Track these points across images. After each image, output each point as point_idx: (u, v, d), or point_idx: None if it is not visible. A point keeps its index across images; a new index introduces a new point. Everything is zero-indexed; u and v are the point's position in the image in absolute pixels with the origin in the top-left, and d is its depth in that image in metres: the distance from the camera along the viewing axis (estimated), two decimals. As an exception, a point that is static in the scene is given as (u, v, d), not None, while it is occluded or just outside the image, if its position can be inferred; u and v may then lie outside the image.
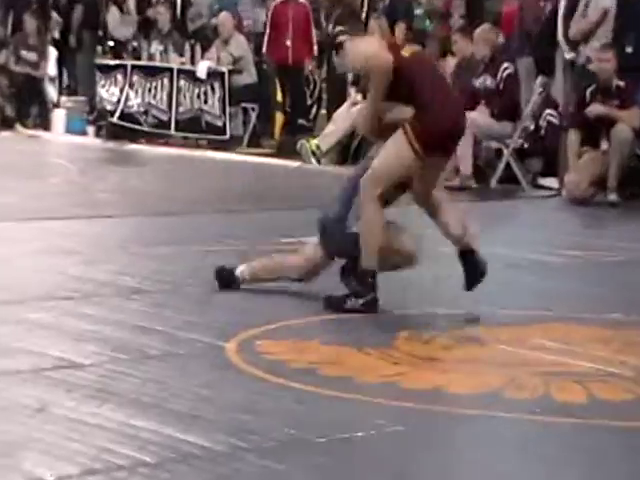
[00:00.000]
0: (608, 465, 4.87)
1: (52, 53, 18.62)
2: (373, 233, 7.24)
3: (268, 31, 16.52)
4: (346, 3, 15.12)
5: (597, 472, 4.79)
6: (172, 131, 16.71)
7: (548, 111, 13.27)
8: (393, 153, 7.22)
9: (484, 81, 12.89)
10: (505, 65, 12.99)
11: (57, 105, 18.34)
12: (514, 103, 13.08)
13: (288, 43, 16.11)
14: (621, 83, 12.03)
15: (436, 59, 13.95)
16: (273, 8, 16.53)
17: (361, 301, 7.23)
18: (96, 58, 17.92)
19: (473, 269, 7.40)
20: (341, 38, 7.54)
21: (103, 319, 6.92)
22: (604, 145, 12.04)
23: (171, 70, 16.81)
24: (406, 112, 7.18)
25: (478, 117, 12.66)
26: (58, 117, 18.08)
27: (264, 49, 16.65)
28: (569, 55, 12.90)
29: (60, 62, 18.93)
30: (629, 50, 12.46)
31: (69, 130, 17.78)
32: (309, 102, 16.85)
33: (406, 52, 7.41)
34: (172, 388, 5.66)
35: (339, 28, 7.67)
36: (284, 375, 5.85)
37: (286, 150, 15.72)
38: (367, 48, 7.44)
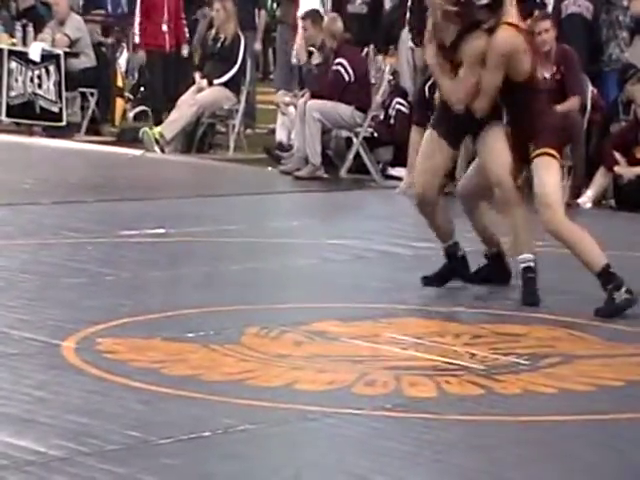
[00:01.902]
0: (458, 459, 4.95)
1: None
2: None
3: (139, 19, 16.24)
4: None
5: (446, 466, 4.86)
6: (2, 117, 16.46)
7: (397, 99, 13.37)
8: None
9: (345, 69, 12.96)
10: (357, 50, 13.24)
11: None
12: (366, 90, 13.19)
13: (165, 28, 15.89)
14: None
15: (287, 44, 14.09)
16: None
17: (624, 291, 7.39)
18: None
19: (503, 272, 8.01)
20: None
21: None
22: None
23: (0, 51, 16.56)
24: None
25: (330, 105, 12.76)
26: None
27: (137, 38, 16.33)
28: (411, 44, 13.03)
29: None
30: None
31: None
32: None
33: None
34: (3, 390, 5.59)
35: None
36: (126, 375, 5.83)
37: (127, 138, 15.62)
38: None
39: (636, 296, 7.35)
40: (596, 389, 5.91)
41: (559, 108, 11.73)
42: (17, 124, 16.61)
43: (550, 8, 12.57)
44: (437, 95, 11.72)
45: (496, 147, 7.72)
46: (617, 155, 11.51)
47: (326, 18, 13.47)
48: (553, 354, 6.44)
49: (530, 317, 7.21)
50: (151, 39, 16.19)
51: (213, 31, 15.06)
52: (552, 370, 6.17)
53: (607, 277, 7.44)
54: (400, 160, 12.79)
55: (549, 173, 7.55)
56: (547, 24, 11.91)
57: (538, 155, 7.53)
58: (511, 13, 7.65)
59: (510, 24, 7.63)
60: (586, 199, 11.55)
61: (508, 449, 5.13)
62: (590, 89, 12.20)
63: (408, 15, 13.14)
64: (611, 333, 6.91)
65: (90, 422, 5.15)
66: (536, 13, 12.14)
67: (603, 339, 6.81)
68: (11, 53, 16.40)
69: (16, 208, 10.73)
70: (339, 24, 13.34)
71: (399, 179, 12.64)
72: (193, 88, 14.74)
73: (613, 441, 5.29)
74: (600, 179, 11.61)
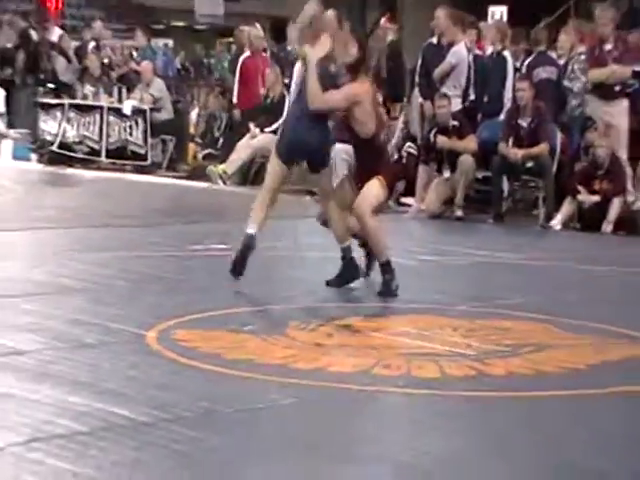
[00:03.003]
0: (456, 426, 4.94)
1: (1, 93, 18.35)
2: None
3: (237, 86, 15.65)
4: None
5: (447, 432, 4.84)
6: (103, 158, 16.56)
7: (408, 144, 13.39)
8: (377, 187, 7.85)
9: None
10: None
11: (5, 136, 18.07)
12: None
13: (262, 91, 15.34)
14: (456, 123, 12.21)
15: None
16: (242, 62, 15.67)
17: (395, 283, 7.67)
18: (38, 97, 17.72)
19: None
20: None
21: (43, 313, 6.82)
22: (446, 173, 12.21)
23: (102, 108, 16.68)
24: None
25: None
26: (6, 146, 17.85)
27: (234, 99, 15.82)
28: (421, 99, 13.05)
29: (7, 100, 18.65)
30: (472, 98, 12.69)
31: (15, 157, 17.55)
32: (217, 135, 16.78)
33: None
34: (103, 370, 5.61)
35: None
36: (195, 358, 5.82)
37: (197, 174, 15.68)
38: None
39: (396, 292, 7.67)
40: (563, 370, 5.88)
41: (535, 151, 11.77)
42: (113, 163, 16.68)
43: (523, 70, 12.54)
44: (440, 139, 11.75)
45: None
46: (580, 187, 11.48)
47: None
48: (530, 344, 6.41)
49: (512, 314, 7.16)
50: (246, 101, 15.65)
51: (264, 90, 15.07)
52: (529, 356, 6.14)
53: (387, 268, 7.70)
54: (410, 191, 12.81)
55: (368, 189, 7.82)
56: (525, 84, 11.92)
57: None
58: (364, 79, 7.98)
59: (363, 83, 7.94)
60: (556, 222, 11.51)
61: (495, 418, 5.11)
62: (559, 136, 12.19)
63: (417, 77, 13.14)
64: (574, 327, 6.86)
65: (168, 395, 5.16)
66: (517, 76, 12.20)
67: (568, 331, 6.76)
68: (110, 109, 16.55)
69: (112, 229, 10.77)
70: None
71: (409, 205, 12.64)
72: (249, 135, 14.77)
73: (579, 413, 5.26)
74: (567, 206, 11.57)
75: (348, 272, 7.86)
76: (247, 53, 15.48)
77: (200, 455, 4.42)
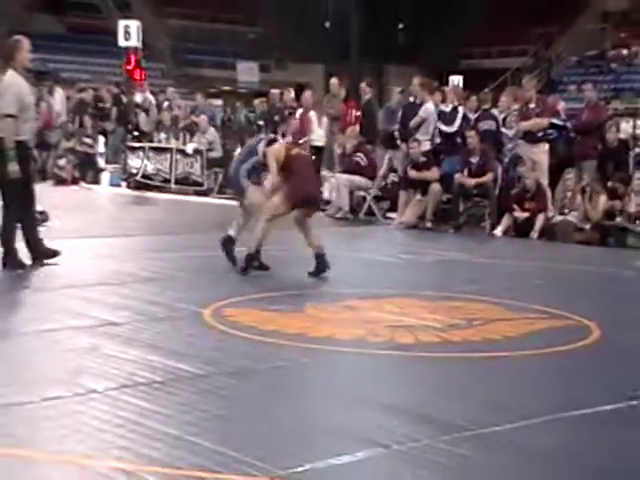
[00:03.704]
0: (428, 380, 4.94)
1: (100, 139, 18.41)
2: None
3: (290, 138, 14.25)
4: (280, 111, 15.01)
5: (416, 383, 4.85)
6: (172, 185, 16.56)
7: (392, 175, 13.39)
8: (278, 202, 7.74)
9: (361, 158, 12.97)
10: (370, 148, 13.25)
11: (104, 170, 18.11)
12: (374, 170, 13.19)
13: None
14: (424, 159, 12.24)
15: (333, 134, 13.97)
16: (300, 116, 14.37)
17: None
18: (126, 142, 17.76)
19: (322, 265, 7.72)
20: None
21: (130, 296, 6.84)
22: (419, 196, 12.21)
23: (171, 149, 16.69)
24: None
25: (353, 177, 12.80)
26: (104, 177, 17.89)
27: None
28: (401, 143, 13.08)
29: (105, 144, 18.70)
30: (437, 140, 12.70)
31: (111, 184, 17.58)
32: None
33: (294, 150, 7.94)
34: (171, 336, 5.62)
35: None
36: (238, 329, 5.81)
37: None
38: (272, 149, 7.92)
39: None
40: (503, 338, 5.86)
41: (482, 180, 11.78)
42: (179, 189, 16.65)
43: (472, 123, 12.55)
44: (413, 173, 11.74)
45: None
46: (515, 206, 11.46)
47: (351, 131, 13.41)
48: (479, 318, 6.38)
49: (466, 297, 7.13)
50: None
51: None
52: (479, 327, 6.12)
53: (253, 258, 7.76)
54: (393, 208, 12.82)
55: (271, 201, 7.75)
56: (472, 133, 11.97)
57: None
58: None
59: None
60: (498, 231, 11.46)
61: (454, 372, 5.10)
62: (500, 169, 12.19)
63: (398, 126, 13.15)
64: (511, 306, 6.83)
65: (218, 355, 5.15)
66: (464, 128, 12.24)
67: (505, 309, 6.74)
68: (177, 150, 16.55)
69: (176, 236, 10.76)
70: (357, 133, 13.35)
71: (392, 219, 12.62)
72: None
73: (513, 367, 5.25)
74: (506, 220, 11.51)
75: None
76: (301, 110, 14.67)
77: (239, 397, 4.45)
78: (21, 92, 7.75)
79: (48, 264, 7.93)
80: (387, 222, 12.64)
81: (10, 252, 7.80)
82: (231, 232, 8.20)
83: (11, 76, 7.79)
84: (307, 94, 14.74)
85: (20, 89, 7.75)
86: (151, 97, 18.27)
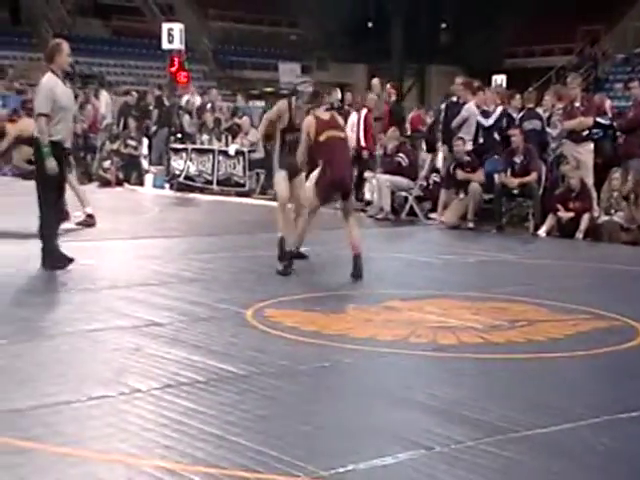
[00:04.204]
0: (470, 381, 4.90)
1: (144, 141, 18.58)
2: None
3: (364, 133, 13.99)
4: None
5: (460, 383, 4.80)
6: (215, 186, 16.67)
7: (434, 175, 13.34)
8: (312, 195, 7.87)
9: (402, 158, 12.92)
10: (411, 149, 13.22)
11: (147, 171, 18.29)
12: (415, 170, 13.15)
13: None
14: (468, 158, 12.17)
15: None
16: (364, 117, 13.94)
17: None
18: (170, 144, 17.91)
19: (358, 267, 7.64)
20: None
21: (173, 296, 6.89)
22: (461, 196, 12.14)
23: (214, 150, 16.79)
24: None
25: (395, 178, 12.76)
26: (148, 178, 18.06)
27: (362, 143, 13.83)
28: (442, 146, 13.03)
29: (149, 146, 18.88)
30: (481, 141, 12.61)
31: (154, 186, 17.73)
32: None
33: (323, 135, 7.73)
34: (213, 337, 5.64)
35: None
36: (280, 330, 5.83)
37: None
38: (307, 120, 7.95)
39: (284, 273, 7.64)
40: (547, 339, 5.81)
41: (526, 179, 11.69)
42: (222, 190, 16.75)
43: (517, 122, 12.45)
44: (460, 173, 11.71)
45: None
46: (559, 206, 11.34)
47: (393, 131, 13.38)
48: (523, 319, 6.33)
49: (509, 298, 7.08)
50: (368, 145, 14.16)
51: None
52: (523, 329, 6.06)
53: (294, 256, 7.77)
54: (435, 209, 12.77)
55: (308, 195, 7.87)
56: (516, 132, 11.87)
57: None
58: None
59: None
60: (542, 231, 11.36)
61: (496, 373, 5.06)
62: (544, 168, 12.08)
63: (441, 127, 13.11)
64: (557, 308, 6.77)
65: (260, 355, 5.15)
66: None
67: (550, 310, 6.67)
68: (219, 151, 16.64)
69: (217, 237, 10.82)
70: (398, 134, 13.34)
71: (434, 219, 12.58)
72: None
73: (558, 368, 5.20)
74: (550, 220, 11.40)
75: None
76: (365, 110, 14.20)
77: (280, 398, 4.45)
78: (55, 93, 7.86)
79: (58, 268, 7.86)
80: (429, 223, 12.58)
81: (49, 251, 7.89)
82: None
83: (47, 77, 7.95)
84: (372, 95, 14.78)
85: (54, 90, 7.87)
86: (197, 99, 18.39)
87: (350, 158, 8.31)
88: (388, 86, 14.83)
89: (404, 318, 6.31)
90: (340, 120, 8.13)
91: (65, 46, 8.06)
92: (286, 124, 8.36)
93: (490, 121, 12.46)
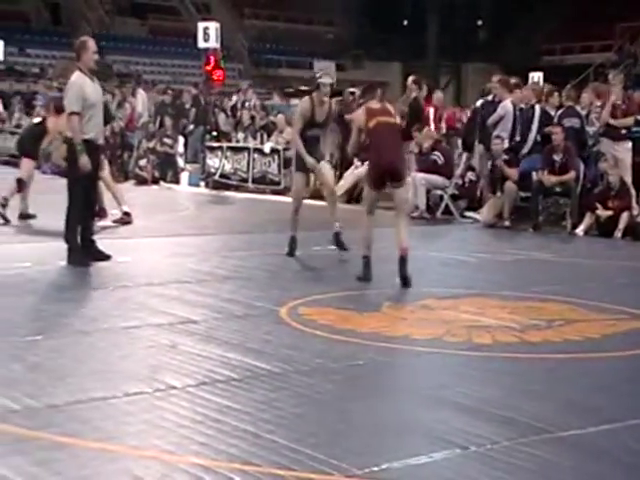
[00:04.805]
0: (505, 380, 4.86)
1: (180, 139, 18.71)
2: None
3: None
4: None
5: (496, 386, 4.77)
6: (250, 184, 16.72)
7: (470, 173, 13.26)
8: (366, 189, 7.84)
9: (438, 156, 12.87)
10: (447, 147, 13.14)
11: (183, 169, 18.41)
12: (450, 168, 13.09)
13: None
14: (506, 157, 12.07)
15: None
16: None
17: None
18: (205, 142, 18.00)
19: (403, 269, 7.42)
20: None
21: (208, 294, 6.93)
22: (498, 194, 12.07)
23: (249, 148, 16.85)
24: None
25: (430, 176, 12.70)
26: (184, 176, 18.18)
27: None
28: (478, 144, 12.96)
29: (185, 144, 19.00)
30: (517, 139, 12.51)
31: (190, 184, 17.85)
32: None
33: (372, 122, 7.60)
34: (248, 334, 5.66)
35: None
36: (314, 328, 5.84)
37: (317, 195, 15.66)
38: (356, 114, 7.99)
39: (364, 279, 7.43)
40: (584, 339, 5.75)
41: (564, 177, 11.59)
42: (257, 188, 16.79)
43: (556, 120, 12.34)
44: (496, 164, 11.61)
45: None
46: (597, 204, 11.22)
47: (428, 130, 13.32)
48: (560, 319, 6.28)
49: (545, 298, 7.02)
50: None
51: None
52: (559, 328, 6.01)
53: (365, 261, 7.50)
54: (472, 207, 12.69)
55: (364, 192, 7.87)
56: (557, 129, 11.75)
57: None
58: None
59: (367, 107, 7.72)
60: (579, 230, 11.26)
61: (532, 372, 5.02)
62: (582, 166, 11.97)
63: (478, 131, 13.06)
64: (592, 307, 6.70)
65: (294, 353, 5.15)
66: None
67: (588, 310, 6.61)
68: (255, 149, 16.69)
69: (253, 235, 10.86)
70: (435, 134, 13.29)
71: (471, 218, 12.51)
72: (353, 166, 14.67)
73: (594, 368, 5.14)
74: (588, 218, 11.29)
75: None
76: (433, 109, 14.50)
77: (315, 396, 4.44)
78: (84, 91, 7.93)
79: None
80: (464, 221, 12.50)
81: (74, 248, 7.97)
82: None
83: (76, 76, 8.02)
84: (439, 94, 14.76)
85: (83, 88, 7.94)
86: (252, 97, 18.35)
87: (401, 144, 8.15)
88: (409, 81, 14.61)
89: (439, 317, 6.29)
90: (391, 108, 8.02)
91: (90, 43, 8.10)
92: (307, 120, 8.50)
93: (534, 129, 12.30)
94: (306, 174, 9.09)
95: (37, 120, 12.53)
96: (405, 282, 7.32)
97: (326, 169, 9.04)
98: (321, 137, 8.89)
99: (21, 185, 11.13)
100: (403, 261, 7.36)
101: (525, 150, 12.30)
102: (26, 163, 11.44)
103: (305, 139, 8.70)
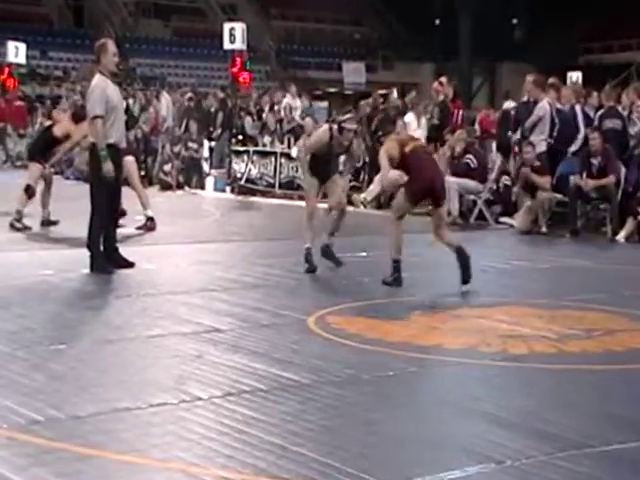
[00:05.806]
0: (542, 392, 4.83)
1: (205, 143, 18.81)
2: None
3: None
4: (385, 111, 14.93)
5: (531, 394, 4.73)
6: (277, 189, 16.76)
7: (505, 177, 13.20)
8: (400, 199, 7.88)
9: (471, 160, 12.84)
10: (480, 150, 13.11)
11: (208, 174, 18.50)
12: (484, 172, 13.04)
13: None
14: (538, 163, 12.00)
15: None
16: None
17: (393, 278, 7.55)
18: (231, 146, 18.08)
19: (466, 266, 7.55)
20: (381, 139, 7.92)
21: (234, 302, 6.95)
22: (528, 202, 12.01)
23: (276, 153, 16.89)
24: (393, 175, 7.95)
25: (463, 181, 12.66)
26: (209, 181, 18.27)
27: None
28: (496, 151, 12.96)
29: (210, 149, 19.10)
30: (551, 141, 12.44)
31: (215, 189, 17.94)
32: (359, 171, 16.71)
33: (408, 146, 7.83)
34: (275, 344, 5.67)
35: (379, 133, 8.04)
36: (343, 337, 5.83)
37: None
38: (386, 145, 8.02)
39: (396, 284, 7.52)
40: (626, 349, 5.70)
41: (603, 182, 11.50)
42: (284, 193, 16.82)
43: (596, 122, 12.25)
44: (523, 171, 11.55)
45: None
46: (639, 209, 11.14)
47: (460, 133, 13.31)
48: (600, 329, 6.21)
49: (584, 306, 6.96)
50: None
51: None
52: (600, 338, 5.96)
53: (395, 265, 7.59)
54: (507, 213, 12.64)
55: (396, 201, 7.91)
56: (595, 134, 11.69)
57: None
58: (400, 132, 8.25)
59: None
60: (620, 236, 11.16)
61: (570, 385, 4.98)
62: (623, 170, 11.86)
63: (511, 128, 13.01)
64: (633, 316, 6.63)
65: (323, 364, 5.15)
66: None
67: (630, 320, 6.54)
68: (282, 154, 16.72)
69: (282, 241, 10.85)
70: (465, 136, 13.26)
71: (506, 224, 12.45)
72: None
73: (638, 383, 5.08)
74: (630, 224, 11.20)
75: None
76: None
77: (345, 407, 4.44)
78: (106, 94, 7.99)
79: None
80: (499, 227, 12.44)
81: (97, 255, 8.03)
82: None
83: (97, 79, 8.10)
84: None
85: (104, 91, 8.00)
86: (296, 102, 18.44)
87: (439, 167, 8.39)
88: (435, 84, 14.59)
89: (472, 326, 6.26)
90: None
91: (110, 46, 8.16)
92: (320, 151, 8.41)
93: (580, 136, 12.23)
94: (319, 178, 8.95)
95: (47, 124, 12.63)
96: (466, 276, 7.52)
97: (339, 179, 8.91)
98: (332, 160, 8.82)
99: (30, 191, 11.20)
100: (462, 256, 7.55)
101: (574, 148, 12.23)
102: (32, 168, 11.51)
103: (316, 158, 8.56)
